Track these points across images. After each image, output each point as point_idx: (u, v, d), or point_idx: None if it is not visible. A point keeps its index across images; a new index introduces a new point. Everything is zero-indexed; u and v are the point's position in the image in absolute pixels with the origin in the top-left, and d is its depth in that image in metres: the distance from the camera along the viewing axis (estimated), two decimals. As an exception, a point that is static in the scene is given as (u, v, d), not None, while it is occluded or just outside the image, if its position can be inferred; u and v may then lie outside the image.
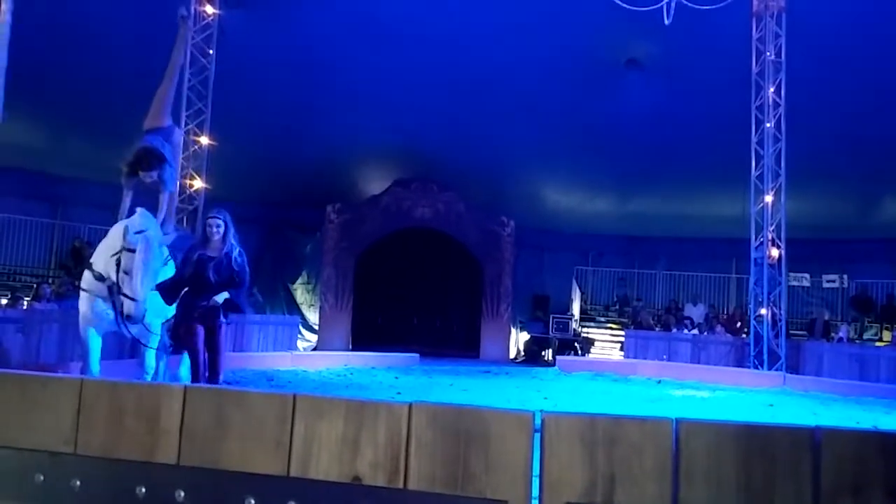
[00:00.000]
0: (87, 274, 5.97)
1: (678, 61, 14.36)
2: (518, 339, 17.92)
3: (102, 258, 5.78)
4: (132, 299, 5.38)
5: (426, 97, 15.11)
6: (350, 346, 15.78)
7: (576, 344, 16.72)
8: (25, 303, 11.41)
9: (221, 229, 5.92)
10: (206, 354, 5.86)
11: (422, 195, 16.86)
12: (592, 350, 16.90)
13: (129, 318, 5.47)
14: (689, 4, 11.61)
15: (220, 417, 1.29)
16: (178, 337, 6.09)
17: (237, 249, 5.98)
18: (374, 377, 11.09)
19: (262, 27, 13.75)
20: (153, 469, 1.28)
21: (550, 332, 16.91)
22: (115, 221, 6.16)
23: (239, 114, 14.04)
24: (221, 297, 5.91)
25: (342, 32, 14.14)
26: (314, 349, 15.48)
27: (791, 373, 12.79)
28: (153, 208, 6.31)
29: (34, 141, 14.81)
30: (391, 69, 14.70)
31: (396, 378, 11.13)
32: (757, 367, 13.04)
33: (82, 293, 6.07)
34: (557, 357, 15.33)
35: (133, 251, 5.43)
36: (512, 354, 17.42)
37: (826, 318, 15.88)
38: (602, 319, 18.37)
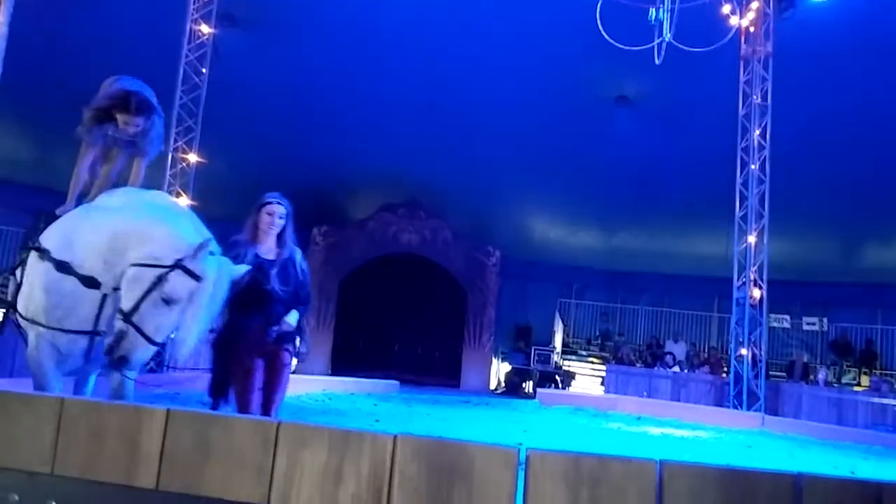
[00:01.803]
0: (48, 270, 3.52)
1: (667, 100, 14.61)
2: (499, 370, 17.86)
3: (97, 253, 3.50)
4: (155, 343, 3.37)
5: (417, 124, 15.22)
6: (330, 371, 15.65)
7: (557, 377, 16.69)
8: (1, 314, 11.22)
9: (283, 221, 4.38)
10: (261, 398, 4.21)
11: (408, 221, 16.90)
12: (573, 384, 16.87)
13: (122, 360, 3.32)
14: (680, 46, 11.84)
15: (202, 442, 1.27)
16: (229, 378, 4.19)
17: (299, 252, 4.50)
18: (353, 403, 10.98)
19: (256, 49, 13.83)
20: (132, 493, 1.26)
21: (532, 364, 16.87)
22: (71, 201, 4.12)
23: (229, 133, 14.05)
24: (293, 319, 4.33)
25: (335, 57, 14.25)
26: (293, 372, 15.34)
27: (770, 414, 12.82)
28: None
29: (19, 152, 14.73)
30: (383, 95, 14.82)
31: (375, 405, 11.03)
32: (736, 407, 13.06)
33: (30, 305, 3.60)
34: (538, 389, 15.28)
35: (199, 279, 3.32)
36: (492, 385, 17.35)
37: (805, 360, 15.99)
38: (583, 353, 18.37)
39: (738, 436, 11.14)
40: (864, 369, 16.23)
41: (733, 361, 13.39)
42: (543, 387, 15.77)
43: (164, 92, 12.29)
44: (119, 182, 4.34)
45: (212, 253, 3.47)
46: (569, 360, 17.89)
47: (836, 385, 15.23)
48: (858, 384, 15.77)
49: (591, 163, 15.58)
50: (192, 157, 12.60)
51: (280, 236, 4.37)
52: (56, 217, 3.88)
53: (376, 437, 1.21)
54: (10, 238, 14.89)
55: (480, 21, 13.77)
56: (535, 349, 17.03)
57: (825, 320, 17.18)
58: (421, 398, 12.85)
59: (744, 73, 13.68)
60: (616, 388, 14.62)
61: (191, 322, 3.36)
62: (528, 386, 16.78)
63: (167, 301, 3.32)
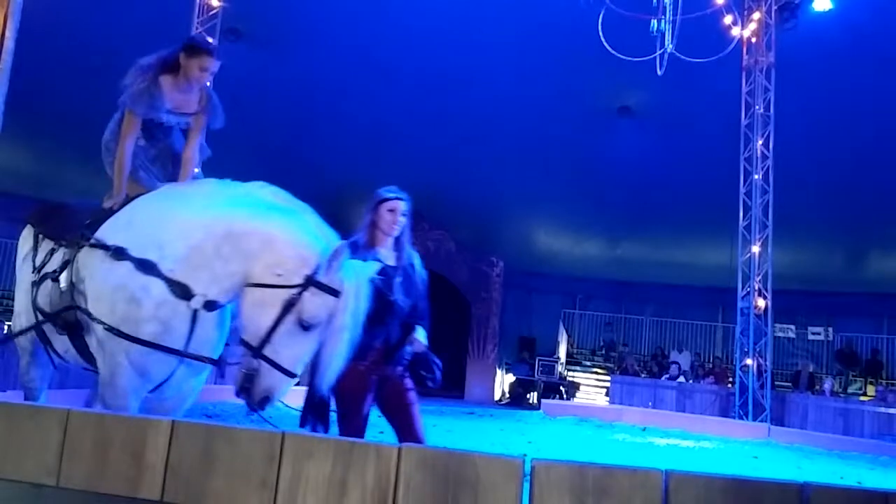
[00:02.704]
0: (131, 273, 2.86)
1: (670, 111, 14.64)
2: (503, 381, 17.81)
3: (195, 258, 2.86)
4: (294, 376, 2.80)
5: (420, 135, 15.27)
6: (334, 382, 15.61)
7: (561, 388, 16.64)
8: (6, 327, 11.25)
9: (405, 220, 3.75)
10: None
11: (411, 232, 16.90)
12: (577, 394, 16.81)
13: (265, 401, 2.79)
14: (682, 57, 11.87)
15: (207, 454, 1.27)
16: (339, 403, 3.44)
17: (418, 256, 3.88)
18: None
19: (260, 62, 13.91)
20: (136, 505, 1.26)
21: (536, 375, 16.83)
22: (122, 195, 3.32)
23: (231, 145, 14.10)
24: (424, 337, 3.68)
25: (339, 69, 14.33)
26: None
27: (775, 424, 12.75)
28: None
29: (24, 165, 14.81)
30: (386, 107, 14.87)
31: (379, 416, 10.99)
32: (742, 418, 13.00)
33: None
34: (542, 400, 15.23)
35: (338, 294, 2.74)
36: (497, 396, 17.29)
37: (811, 370, 15.92)
38: (588, 364, 18.32)
39: (744, 446, 11.07)
40: (870, 379, 16.15)
41: (738, 372, 13.33)
42: (548, 398, 15.72)
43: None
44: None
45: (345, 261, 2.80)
46: (573, 370, 17.84)
47: (842, 395, 15.15)
48: (864, 394, 15.69)
49: (595, 173, 15.60)
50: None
51: (398, 238, 3.72)
52: (106, 211, 3.19)
53: (381, 448, 1.20)
54: (11, 251, 14.95)
55: (483, 33, 13.84)
56: (539, 360, 16.99)
57: (830, 330, 17.11)
58: (425, 409, 12.78)
59: (746, 83, 13.70)
60: (621, 398, 14.56)
61: (334, 346, 2.75)
62: (533, 397, 16.72)
63: (305, 326, 2.73)
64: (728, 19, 13.29)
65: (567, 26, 13.12)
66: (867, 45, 12.98)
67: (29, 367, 3.62)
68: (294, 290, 2.72)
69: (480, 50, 14.02)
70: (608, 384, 15.76)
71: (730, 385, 14.33)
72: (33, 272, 3.30)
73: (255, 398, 2.78)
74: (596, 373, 17.79)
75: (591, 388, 17.13)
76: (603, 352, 18.75)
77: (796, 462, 9.71)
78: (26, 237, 3.63)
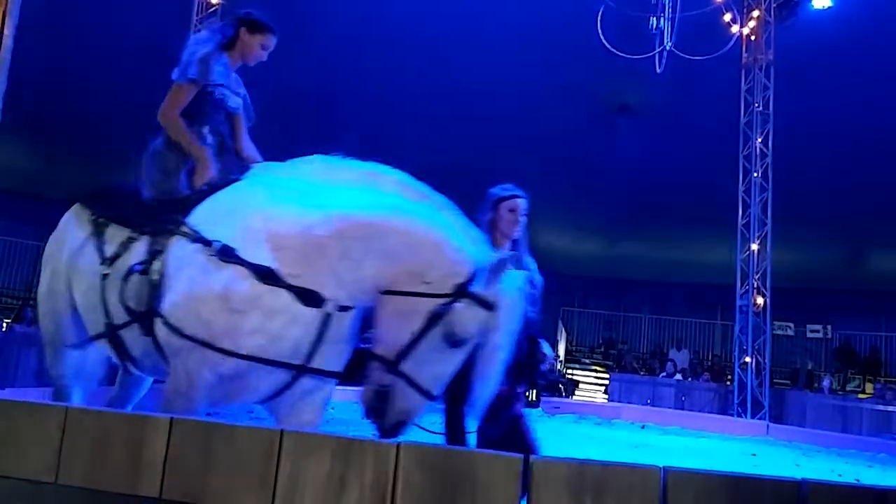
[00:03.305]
0: (244, 279, 2.46)
1: (669, 109, 14.63)
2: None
3: (321, 260, 2.49)
4: (433, 397, 2.51)
5: (418, 136, 15.26)
6: (333, 380, 15.62)
7: (560, 385, 16.65)
8: (5, 324, 11.27)
9: (524, 221, 3.45)
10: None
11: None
12: (576, 392, 16.83)
13: (399, 426, 2.49)
14: (681, 54, 11.87)
15: (206, 452, 1.27)
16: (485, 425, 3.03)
17: (533, 260, 3.57)
18: (356, 413, 10.93)
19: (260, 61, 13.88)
20: (135, 502, 1.26)
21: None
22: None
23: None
24: (548, 349, 3.48)
25: (339, 63, 14.31)
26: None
27: (774, 422, 12.77)
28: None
29: (24, 163, 14.80)
30: (385, 108, 14.86)
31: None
32: (740, 416, 13.01)
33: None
34: (541, 398, 15.25)
35: (490, 307, 2.41)
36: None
37: (809, 367, 15.94)
38: (587, 361, 18.34)
39: (743, 444, 11.09)
40: (868, 377, 16.18)
41: (737, 369, 13.35)
42: (547, 395, 15.73)
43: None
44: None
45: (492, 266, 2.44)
46: (572, 368, 17.86)
47: (840, 393, 15.17)
48: (863, 391, 15.71)
49: (594, 172, 15.61)
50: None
51: (516, 240, 3.47)
52: (195, 194, 2.77)
53: (380, 445, 1.21)
54: (11, 249, 14.95)
55: (482, 34, 13.84)
56: (538, 358, 16.99)
57: (829, 328, 17.14)
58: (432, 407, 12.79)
59: (745, 81, 13.70)
60: (619, 396, 14.57)
61: (488, 366, 2.41)
62: (532, 394, 16.74)
63: (453, 342, 2.40)
64: (727, 17, 13.28)
65: (566, 24, 13.11)
66: (866, 44, 12.99)
67: (56, 359, 3.16)
68: (443, 301, 2.38)
69: (479, 50, 14.01)
70: (607, 382, 15.77)
71: (728, 383, 14.34)
72: (102, 263, 2.80)
73: (388, 421, 2.43)
74: (595, 370, 17.81)
75: (591, 386, 17.15)
76: (602, 350, 18.77)
77: (794, 459, 9.72)
78: (79, 222, 3.08)
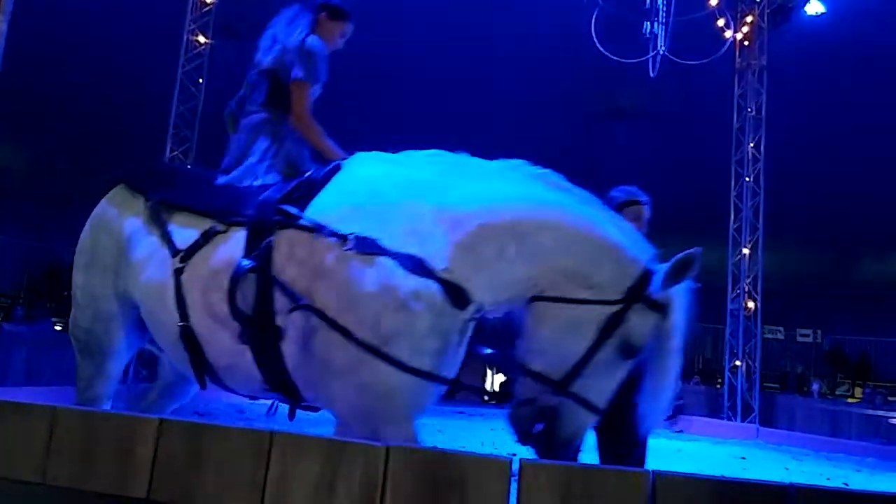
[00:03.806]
0: (395, 273, 2.15)
1: (662, 113, 14.69)
2: (493, 381, 17.82)
3: (464, 253, 2.21)
4: (598, 413, 2.20)
5: (413, 140, 15.26)
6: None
7: (551, 388, 16.69)
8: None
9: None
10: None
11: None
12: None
13: (565, 446, 2.18)
14: (674, 59, 11.92)
15: (195, 452, 1.27)
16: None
17: None
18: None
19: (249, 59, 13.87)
20: (123, 503, 1.26)
21: (527, 375, 16.84)
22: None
23: (225, 143, 14.07)
24: None
25: (331, 66, 14.28)
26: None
27: (764, 426, 12.83)
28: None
29: (12, 162, 14.72)
30: (380, 108, 14.85)
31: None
32: (730, 419, 13.06)
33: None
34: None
35: (664, 311, 2.22)
36: (487, 396, 17.27)
37: (799, 372, 16.02)
38: (578, 364, 18.36)
39: (732, 447, 11.12)
40: (857, 381, 16.27)
41: (727, 373, 13.40)
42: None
43: (161, 102, 12.34)
44: None
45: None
46: (564, 371, 17.86)
47: (829, 397, 15.25)
48: (852, 396, 15.80)
49: (588, 174, 15.60)
50: (189, 167, 12.62)
51: None
52: (301, 184, 2.45)
53: (370, 447, 1.20)
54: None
55: (478, 37, 13.85)
56: (529, 360, 17.01)
57: (819, 332, 17.22)
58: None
59: (738, 86, 13.76)
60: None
61: (665, 375, 2.17)
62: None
63: (629, 354, 2.16)
64: (721, 22, 13.34)
65: (561, 28, 13.14)
66: (859, 50, 13.07)
67: (96, 373, 2.70)
68: (615, 308, 2.13)
69: (474, 54, 14.03)
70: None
71: (719, 386, 14.40)
72: (175, 256, 2.45)
73: (555, 445, 2.13)
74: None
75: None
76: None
77: (784, 463, 9.76)
78: (126, 208, 2.69)
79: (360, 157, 2.57)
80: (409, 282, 2.10)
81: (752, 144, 13.52)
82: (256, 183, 2.60)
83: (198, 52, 12.73)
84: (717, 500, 1.15)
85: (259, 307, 2.24)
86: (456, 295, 2.12)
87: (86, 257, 2.76)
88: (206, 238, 2.44)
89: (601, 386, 2.15)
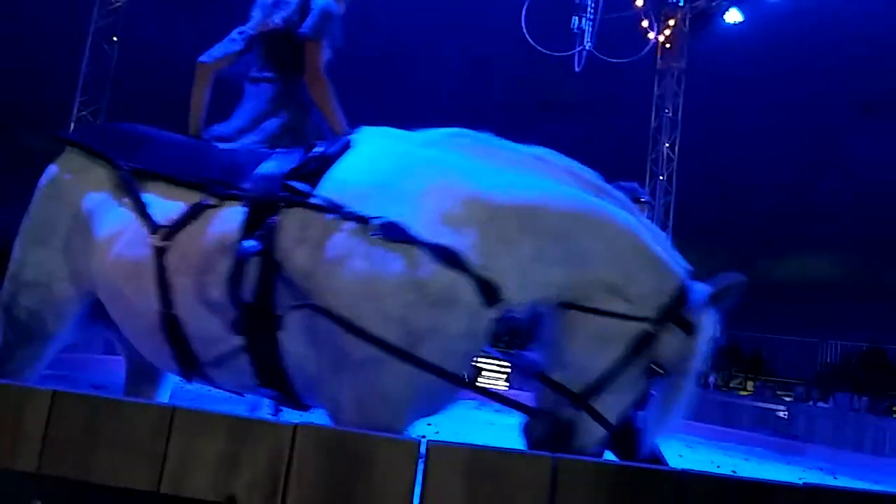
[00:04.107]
0: (423, 263, 1.94)
1: (586, 108, 15.02)
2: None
3: (512, 260, 2.03)
4: (611, 429, 2.13)
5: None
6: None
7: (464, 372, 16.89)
8: None
9: None
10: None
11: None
12: (479, 379, 17.10)
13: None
14: (599, 55, 12.18)
15: (90, 426, 1.22)
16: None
17: None
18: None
19: (170, 17, 13.31)
20: (10, 476, 1.20)
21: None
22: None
23: (138, 103, 13.47)
24: None
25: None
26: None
27: (662, 415, 13.41)
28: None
29: None
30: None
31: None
32: (632, 407, 13.60)
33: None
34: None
35: (691, 330, 2.17)
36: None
37: (698, 364, 16.82)
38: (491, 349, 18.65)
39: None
40: (750, 375, 17.21)
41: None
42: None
43: (70, 59, 11.67)
44: None
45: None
46: (476, 355, 18.10)
47: (723, 389, 16.07)
48: (744, 388, 16.71)
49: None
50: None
51: None
52: (313, 158, 2.20)
53: (276, 425, 1.19)
54: None
55: (409, 28, 13.73)
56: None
57: (717, 327, 18.14)
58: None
59: (658, 86, 14.21)
60: (521, 384, 14.93)
61: (671, 397, 2.14)
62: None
63: (654, 373, 2.10)
64: (645, 23, 13.72)
65: (491, 19, 13.21)
66: (774, 57, 13.72)
67: (31, 358, 2.37)
68: (648, 326, 2.04)
69: (406, 44, 13.92)
70: (510, 369, 16.10)
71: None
72: (155, 233, 2.16)
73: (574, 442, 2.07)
74: (497, 358, 18.14)
75: (492, 374, 17.47)
76: (506, 338, 19.14)
77: (678, 450, 10.24)
78: (86, 176, 2.37)
79: (375, 131, 2.30)
80: (443, 277, 1.90)
81: (667, 144, 14.02)
82: (260, 153, 2.31)
83: (113, 9, 12.10)
84: (614, 483, 1.20)
85: (259, 295, 2.00)
86: (489, 293, 1.95)
87: (36, 232, 2.39)
88: (195, 213, 2.15)
89: (618, 403, 2.08)
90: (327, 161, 2.15)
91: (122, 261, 2.20)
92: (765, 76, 13.97)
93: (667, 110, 14.04)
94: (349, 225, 1.96)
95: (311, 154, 2.20)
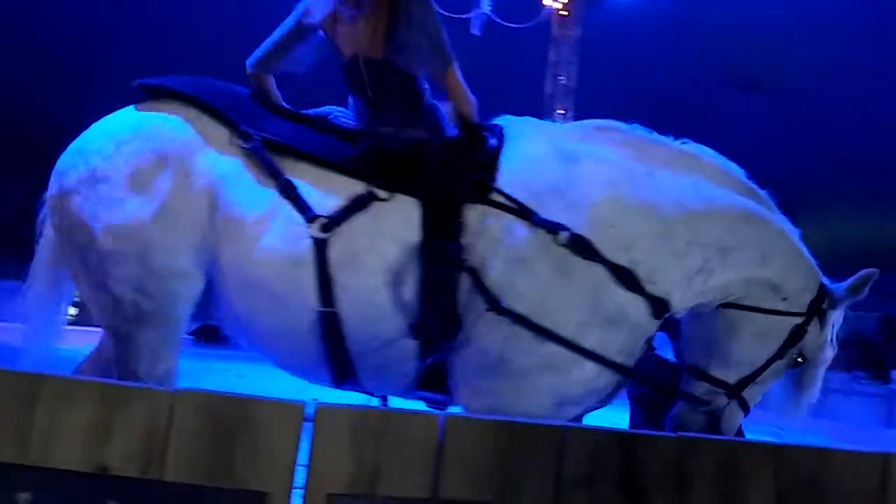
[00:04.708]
0: (607, 284, 2.06)
1: (483, 72, 15.08)
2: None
3: (681, 274, 2.16)
4: (748, 411, 2.33)
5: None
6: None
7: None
8: None
9: None
10: None
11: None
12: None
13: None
14: (496, 20, 12.23)
15: (-56, 397, 1.13)
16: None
17: None
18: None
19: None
20: None
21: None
22: None
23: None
24: None
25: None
26: (73, 324, 14.05)
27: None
28: None
29: None
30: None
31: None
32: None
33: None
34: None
35: (826, 323, 2.34)
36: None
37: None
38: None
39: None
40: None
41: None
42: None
43: None
44: None
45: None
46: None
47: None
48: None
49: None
50: None
51: None
52: (484, 150, 2.12)
53: (153, 391, 1.14)
54: None
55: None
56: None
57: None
58: (217, 353, 12.39)
59: (553, 54, 14.44)
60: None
61: (806, 382, 2.35)
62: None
63: (796, 363, 2.29)
64: (542, -11, 13.86)
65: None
66: (672, 30, 14.20)
67: (163, 342, 2.05)
68: (799, 320, 2.21)
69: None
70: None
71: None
72: (312, 222, 1.96)
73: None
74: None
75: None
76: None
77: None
78: (205, 138, 2.05)
79: (523, 121, 2.34)
80: (619, 297, 2.00)
81: (561, 112, 14.32)
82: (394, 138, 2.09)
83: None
84: (498, 438, 1.23)
85: (446, 297, 1.93)
86: (658, 308, 2.06)
87: (154, 204, 1.98)
88: (360, 205, 1.98)
89: (760, 391, 2.25)
90: (494, 153, 2.09)
91: (275, 252, 1.97)
92: (653, 51, 14.49)
93: (561, 78, 14.31)
94: (537, 230, 1.96)
95: (480, 145, 2.12)
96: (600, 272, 1.98)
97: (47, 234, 2.19)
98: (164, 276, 1.98)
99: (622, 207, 2.07)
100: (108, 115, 2.16)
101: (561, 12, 14.41)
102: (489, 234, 1.98)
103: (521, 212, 1.98)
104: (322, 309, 1.95)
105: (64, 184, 2.04)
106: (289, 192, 1.99)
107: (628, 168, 2.15)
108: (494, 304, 1.92)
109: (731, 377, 2.20)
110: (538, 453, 1.24)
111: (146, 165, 1.99)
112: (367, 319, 1.97)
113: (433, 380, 2.06)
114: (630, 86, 14.92)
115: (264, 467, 1.13)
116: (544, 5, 13.83)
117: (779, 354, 2.21)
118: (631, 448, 1.28)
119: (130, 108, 2.14)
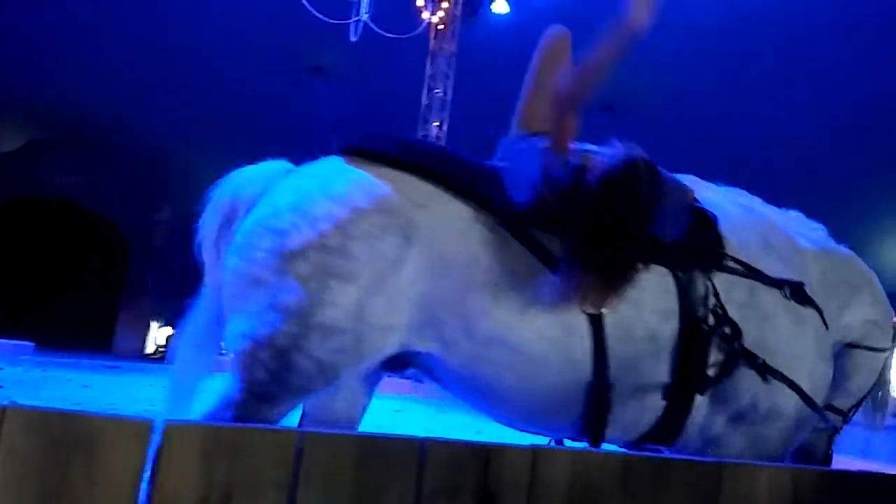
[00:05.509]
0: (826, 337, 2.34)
1: (359, 78, 15.02)
2: (159, 335, 16.82)
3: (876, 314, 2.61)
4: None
5: (99, 51, 13.53)
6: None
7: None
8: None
9: None
10: None
11: (68, 161, 14.95)
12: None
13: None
14: (375, 28, 12.25)
15: None
16: None
17: None
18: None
19: None
20: None
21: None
22: None
23: None
24: None
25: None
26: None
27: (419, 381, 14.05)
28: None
29: None
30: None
31: (1, 369, 9.66)
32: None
33: None
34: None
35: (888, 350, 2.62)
36: (150, 350, 16.28)
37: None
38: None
39: (390, 401, 12.00)
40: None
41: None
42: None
43: None
44: None
45: None
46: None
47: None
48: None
49: (287, 131, 15.41)
50: None
51: None
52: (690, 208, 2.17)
53: (-23, 408, 1.03)
54: None
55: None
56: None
57: None
58: (60, 363, 11.54)
59: (430, 66, 14.66)
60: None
61: (881, 401, 2.68)
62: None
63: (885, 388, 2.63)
64: (421, 2, 14.04)
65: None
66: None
67: (284, 399, 1.88)
68: (888, 353, 2.57)
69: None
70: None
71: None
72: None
73: (827, 461, 2.53)
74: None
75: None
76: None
77: (433, 416, 10.83)
78: (432, 205, 1.96)
79: (694, 182, 2.36)
80: (829, 337, 2.29)
81: (436, 124, 14.54)
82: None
83: None
84: (358, 454, 1.22)
85: (699, 359, 2.05)
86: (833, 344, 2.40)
87: (340, 262, 1.83)
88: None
89: (855, 414, 2.62)
90: (714, 218, 2.20)
91: (546, 322, 1.94)
92: (524, 68, 15.06)
93: (437, 90, 14.54)
94: (769, 288, 2.16)
95: (701, 210, 2.19)
96: (818, 317, 2.25)
97: (217, 279, 2.03)
98: (347, 349, 1.87)
99: (811, 254, 2.40)
100: (319, 167, 2.09)
101: (438, 26, 14.66)
102: (734, 298, 2.13)
103: (753, 274, 2.17)
104: (596, 381, 1.99)
105: (286, 244, 1.86)
106: (549, 261, 1.97)
107: (781, 223, 2.45)
108: (753, 362, 2.09)
109: (845, 406, 2.55)
110: (397, 466, 1.24)
111: (390, 247, 1.88)
112: (629, 388, 2.05)
113: (668, 433, 2.15)
114: (504, 100, 15.42)
115: (105, 491, 1.05)
116: (423, 19, 14.01)
117: (877, 384, 2.59)
118: (488, 456, 1.31)
119: (349, 165, 2.05)
